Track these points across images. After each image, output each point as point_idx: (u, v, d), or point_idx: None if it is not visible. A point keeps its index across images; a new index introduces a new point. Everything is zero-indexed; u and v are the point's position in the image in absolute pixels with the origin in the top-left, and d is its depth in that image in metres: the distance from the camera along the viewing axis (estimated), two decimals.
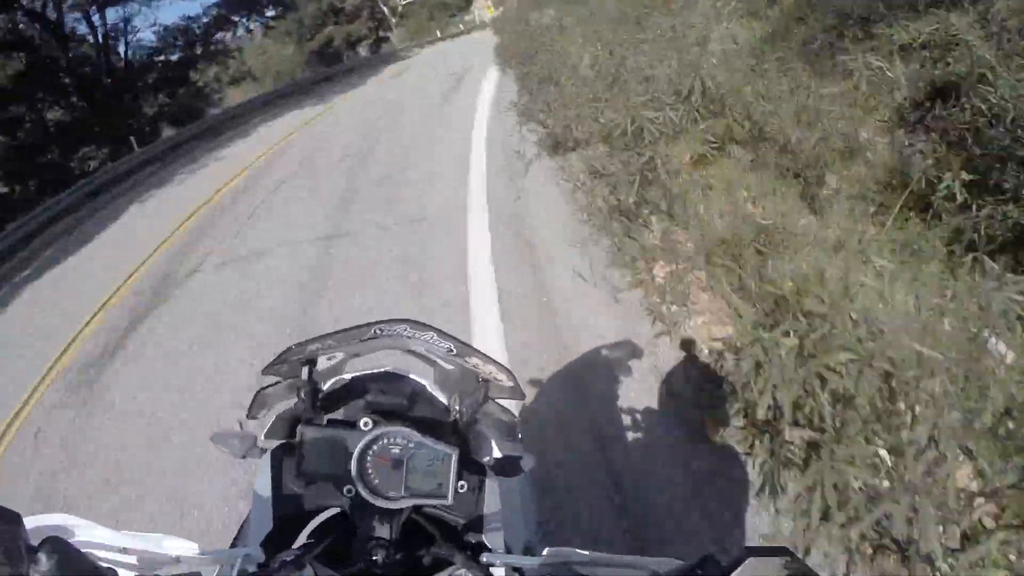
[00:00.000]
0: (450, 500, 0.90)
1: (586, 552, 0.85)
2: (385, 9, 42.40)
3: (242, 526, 1.14)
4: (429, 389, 1.07)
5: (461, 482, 0.92)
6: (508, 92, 9.59)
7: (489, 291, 4.15)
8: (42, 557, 0.63)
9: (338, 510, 0.99)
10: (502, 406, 1.06)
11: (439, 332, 0.95)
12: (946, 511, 1.80)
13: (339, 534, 0.96)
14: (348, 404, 1.00)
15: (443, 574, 0.89)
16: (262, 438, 1.01)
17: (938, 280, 2.36)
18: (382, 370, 1.07)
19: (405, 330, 0.95)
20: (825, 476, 1.89)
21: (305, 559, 0.87)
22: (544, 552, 0.87)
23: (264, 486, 0.99)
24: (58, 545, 0.65)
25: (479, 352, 0.98)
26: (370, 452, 0.91)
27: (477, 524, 0.97)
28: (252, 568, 0.87)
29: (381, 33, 43.42)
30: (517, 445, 1.03)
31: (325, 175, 8.75)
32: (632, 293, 3.63)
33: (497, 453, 1.02)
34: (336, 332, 0.95)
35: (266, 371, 1.01)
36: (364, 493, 0.91)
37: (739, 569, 0.68)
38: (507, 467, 1.02)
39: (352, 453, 0.90)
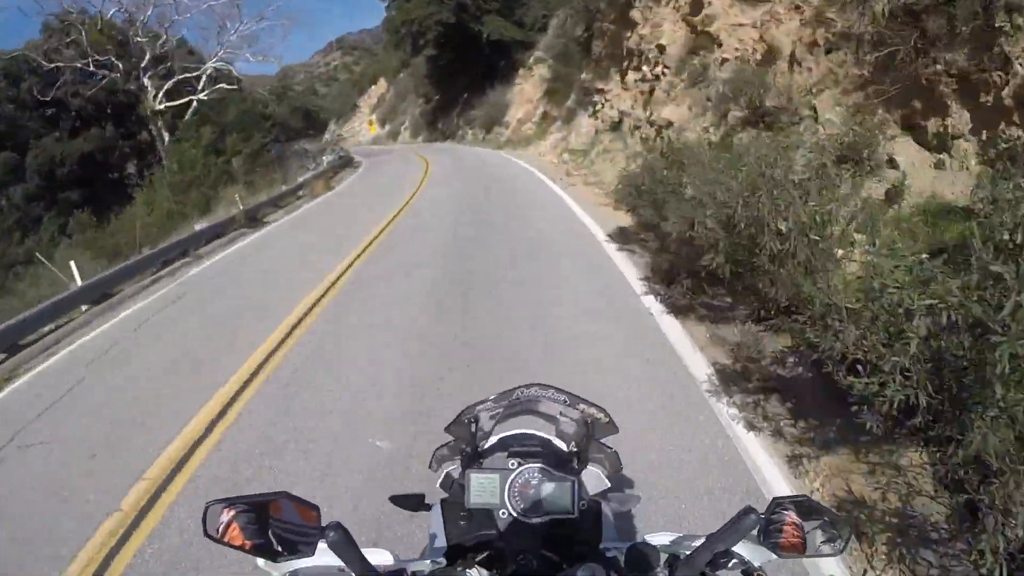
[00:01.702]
0: (575, 514, 1.24)
1: (670, 535, 1.27)
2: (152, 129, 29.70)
3: (413, 564, 1.38)
4: (552, 440, 1.44)
5: (582, 501, 1.25)
6: None
7: None
8: (330, 533, 1.03)
9: (489, 552, 1.28)
10: (606, 445, 1.41)
11: (556, 388, 1.38)
12: None
13: (494, 554, 1.27)
14: (497, 455, 1.34)
15: (573, 569, 1.17)
16: (437, 486, 1.40)
17: None
18: (519, 431, 1.45)
19: (535, 390, 1.38)
20: None
21: (473, 561, 1.23)
22: (646, 537, 1.27)
23: (437, 529, 1.40)
24: (341, 529, 1.04)
25: (584, 399, 1.39)
26: (515, 484, 1.27)
27: (597, 541, 1.28)
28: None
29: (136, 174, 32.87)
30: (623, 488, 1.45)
31: None
32: None
33: (605, 484, 1.36)
34: (492, 396, 1.40)
35: (447, 429, 1.41)
36: (514, 514, 1.25)
37: (769, 510, 1.08)
38: (621, 501, 1.45)
39: (503, 486, 1.27)
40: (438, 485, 1.39)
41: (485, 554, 1.26)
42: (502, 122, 31.23)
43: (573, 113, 22.32)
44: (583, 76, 21.61)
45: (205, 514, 0.98)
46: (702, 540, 1.11)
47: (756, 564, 1.14)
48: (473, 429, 1.40)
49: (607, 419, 1.38)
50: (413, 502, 1.43)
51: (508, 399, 1.39)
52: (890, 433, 3.35)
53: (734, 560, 1.12)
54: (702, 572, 1.09)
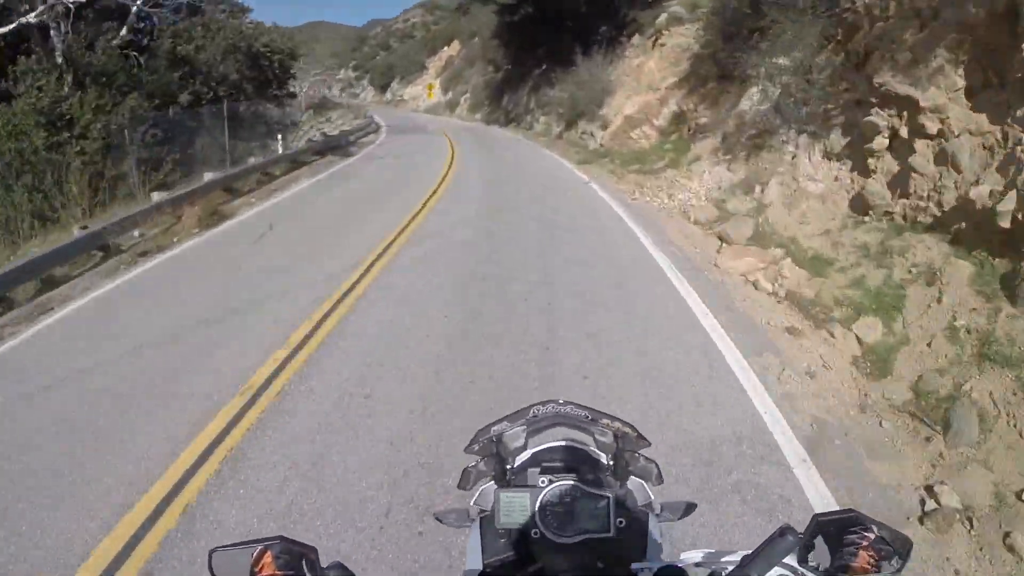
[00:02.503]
0: (612, 533, 1.16)
1: (702, 552, 1.22)
2: None
3: None
4: (590, 452, 1.33)
5: (619, 519, 1.17)
6: None
7: None
8: (331, 572, 1.03)
9: (537, 566, 1.23)
10: (646, 456, 1.32)
11: (575, 404, 1.31)
12: None
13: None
14: (530, 471, 1.27)
15: None
16: (472, 505, 1.31)
17: None
18: (554, 443, 1.34)
19: (552, 408, 1.30)
20: None
21: None
22: (681, 556, 1.22)
23: (475, 547, 1.30)
24: (341, 568, 1.04)
25: (607, 414, 1.31)
26: (548, 503, 1.20)
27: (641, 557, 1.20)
28: None
29: None
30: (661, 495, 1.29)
31: None
32: None
33: (649, 497, 1.28)
34: (510, 415, 1.32)
35: (467, 450, 1.33)
36: (547, 534, 1.18)
37: (810, 528, 0.98)
38: (671, 511, 1.30)
39: (533, 505, 1.20)
40: (472, 503, 1.34)
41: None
42: (596, 115, 18.89)
43: (769, 135, 9.86)
44: (819, 60, 9.27)
45: (210, 561, 0.98)
46: (737, 558, 1.09)
47: None
48: (495, 449, 1.34)
49: (636, 433, 1.32)
50: (455, 518, 1.39)
51: (524, 418, 1.33)
52: None
53: None
54: None
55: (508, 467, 1.32)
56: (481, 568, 1.26)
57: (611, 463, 1.32)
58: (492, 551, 1.28)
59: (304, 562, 1.01)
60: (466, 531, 1.36)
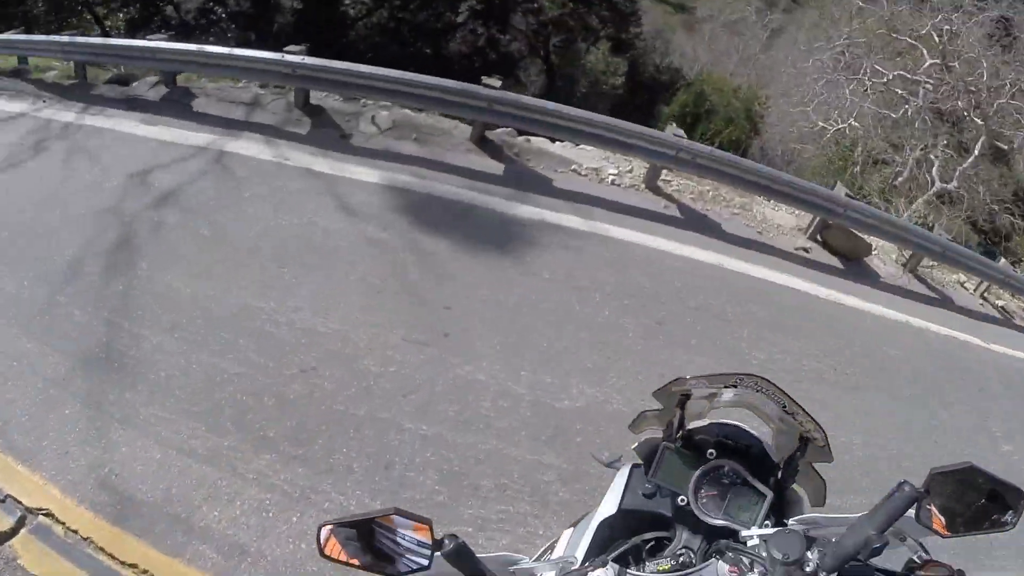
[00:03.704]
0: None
1: (813, 516, 1.19)
2: None
3: (588, 513, 1.45)
4: (765, 445, 1.31)
5: (767, 522, 1.18)
6: None
7: None
8: (447, 543, 1.04)
9: (660, 534, 1.30)
10: (817, 471, 1.30)
11: (778, 388, 1.24)
12: None
13: (649, 550, 1.26)
14: (701, 438, 1.29)
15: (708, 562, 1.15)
16: (632, 449, 1.37)
17: None
18: (732, 422, 1.34)
19: (756, 383, 1.24)
20: None
21: (608, 559, 1.20)
22: (791, 521, 1.20)
23: (618, 487, 1.35)
24: (457, 540, 1.05)
25: (805, 411, 1.23)
26: (707, 476, 1.25)
27: None
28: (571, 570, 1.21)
29: None
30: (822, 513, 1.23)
31: None
32: None
33: (807, 510, 1.28)
34: (711, 375, 1.27)
35: (655, 393, 1.34)
36: (692, 505, 1.24)
37: (927, 481, 0.99)
38: (830, 525, 1.18)
39: (694, 472, 1.24)
40: (632, 448, 1.37)
41: (619, 551, 1.24)
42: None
43: None
44: None
45: (319, 535, 1.03)
46: (852, 520, 1.07)
47: (916, 540, 1.07)
48: (682, 403, 1.33)
49: (823, 443, 1.26)
50: (608, 458, 1.52)
51: (725, 383, 1.29)
52: None
53: (890, 542, 1.03)
54: (855, 558, 1.01)
55: (683, 428, 1.31)
56: (615, 511, 1.28)
57: (782, 463, 1.27)
58: (631, 500, 1.30)
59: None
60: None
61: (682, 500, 1.25)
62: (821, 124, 17.49)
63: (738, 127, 20.65)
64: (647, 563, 1.25)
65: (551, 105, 6.84)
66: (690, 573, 1.15)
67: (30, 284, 5.21)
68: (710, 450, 1.27)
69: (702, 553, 1.22)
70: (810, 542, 1.07)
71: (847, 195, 7.53)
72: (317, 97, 7.81)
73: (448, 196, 6.44)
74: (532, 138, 7.69)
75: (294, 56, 7.14)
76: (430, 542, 1.04)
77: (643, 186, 7.62)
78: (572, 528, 1.51)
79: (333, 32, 19.58)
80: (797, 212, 8.03)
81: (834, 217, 7.47)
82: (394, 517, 1.02)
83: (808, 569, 1.03)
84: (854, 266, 7.80)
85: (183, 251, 5.60)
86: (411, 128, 7.55)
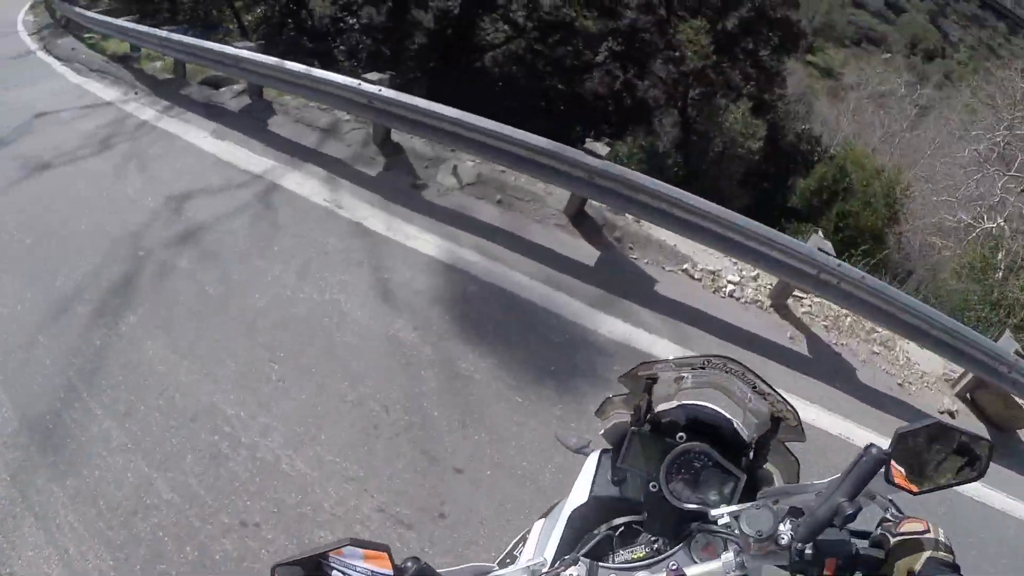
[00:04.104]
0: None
1: (779, 488, 1.19)
2: None
3: (559, 501, 1.40)
4: (735, 425, 1.28)
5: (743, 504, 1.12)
6: None
7: None
8: (409, 565, 0.99)
9: (632, 518, 1.27)
10: (789, 449, 1.28)
11: (747, 368, 1.23)
12: None
13: (621, 535, 1.23)
14: (670, 421, 1.26)
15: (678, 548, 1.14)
16: (600, 435, 1.36)
17: None
18: (702, 403, 1.30)
19: (724, 364, 1.24)
20: None
21: (579, 556, 1.16)
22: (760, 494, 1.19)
23: (587, 474, 1.32)
24: (420, 563, 1.00)
25: (777, 392, 1.23)
26: (677, 460, 1.22)
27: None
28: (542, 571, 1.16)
29: None
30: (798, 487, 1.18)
31: None
32: None
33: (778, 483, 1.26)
34: (678, 359, 1.27)
35: (620, 379, 1.33)
36: (664, 491, 1.20)
37: (894, 442, 0.98)
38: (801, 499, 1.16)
39: (664, 457, 1.22)
40: (601, 434, 1.35)
41: (591, 544, 1.23)
42: None
43: None
44: None
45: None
46: (821, 487, 1.07)
47: (887, 499, 1.07)
48: (649, 388, 1.32)
49: (795, 423, 1.26)
50: (574, 443, 1.48)
51: (692, 365, 1.29)
52: None
53: (864, 507, 1.04)
54: (829, 525, 0.99)
55: (651, 411, 1.27)
56: (586, 499, 1.25)
57: (753, 444, 1.25)
58: (602, 487, 1.27)
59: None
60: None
61: (653, 486, 1.21)
62: (968, 221, 14.94)
63: (876, 212, 18.23)
64: (620, 552, 1.21)
65: (671, 190, 5.33)
66: (664, 558, 1.13)
67: (24, 310, 4.60)
68: (680, 433, 1.23)
69: (675, 537, 1.17)
70: (782, 514, 1.05)
71: (1016, 353, 5.57)
72: (401, 134, 6.70)
73: (516, 290, 5.03)
74: (642, 220, 6.20)
75: (370, 86, 6.07)
76: (390, 571, 0.97)
77: (768, 303, 5.96)
78: (543, 519, 1.44)
79: (467, 55, 18.90)
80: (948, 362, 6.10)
81: (995, 377, 5.55)
82: (346, 548, 0.95)
83: (782, 542, 1.01)
84: (1004, 440, 5.77)
85: (177, 312, 4.56)
86: (496, 187, 6.27)
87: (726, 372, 1.25)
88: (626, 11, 19.46)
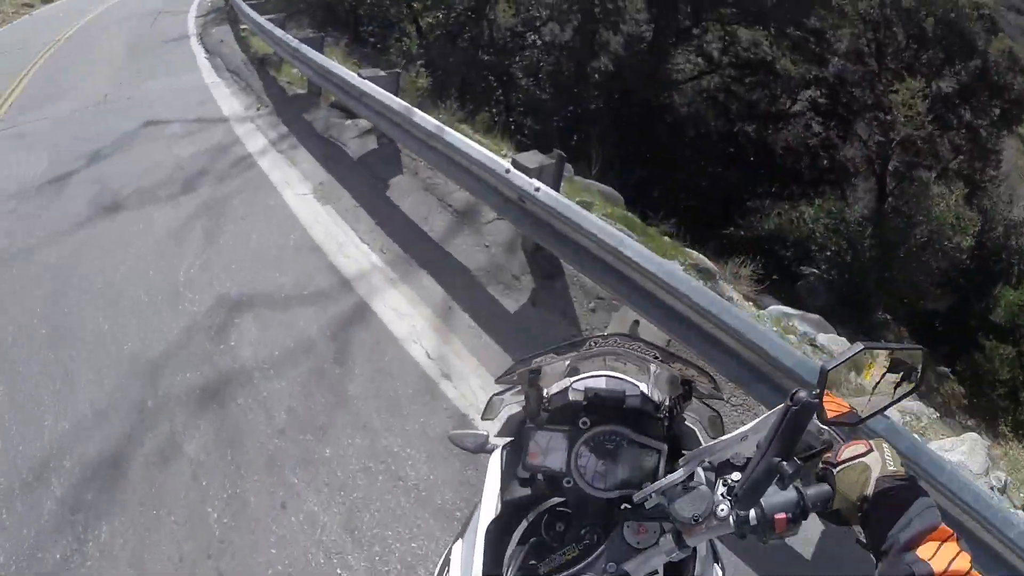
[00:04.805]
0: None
1: (712, 443, 1.05)
2: None
3: (472, 513, 1.27)
4: (646, 391, 1.16)
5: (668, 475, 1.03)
6: None
7: None
8: None
9: (559, 500, 1.14)
10: (707, 404, 1.21)
11: (645, 342, 1.17)
12: None
13: (549, 524, 1.12)
14: (569, 404, 1.13)
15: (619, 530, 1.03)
16: (493, 436, 1.22)
17: None
18: (601, 374, 1.17)
19: (615, 342, 1.17)
20: None
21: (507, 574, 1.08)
22: (683, 459, 1.06)
23: (493, 479, 1.17)
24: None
25: (682, 358, 1.17)
26: (586, 447, 1.09)
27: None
28: None
29: None
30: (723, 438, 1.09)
31: None
32: None
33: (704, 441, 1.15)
34: (559, 346, 1.18)
35: (499, 380, 1.20)
36: (580, 483, 1.08)
37: (820, 382, 0.91)
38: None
39: (571, 448, 1.09)
40: (495, 434, 1.23)
41: (521, 555, 1.12)
42: None
43: None
44: None
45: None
46: (746, 433, 0.99)
47: (824, 428, 0.98)
48: (534, 381, 1.17)
49: (711, 382, 1.17)
50: (473, 442, 1.30)
51: (578, 350, 1.19)
52: None
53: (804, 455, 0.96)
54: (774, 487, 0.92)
55: (544, 398, 1.16)
56: (498, 509, 1.13)
57: (666, 408, 1.16)
58: (512, 489, 1.15)
59: None
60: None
61: (568, 482, 1.08)
62: None
63: None
64: (553, 557, 1.07)
65: None
66: (599, 554, 1.01)
67: (28, 443, 3.35)
68: (583, 419, 1.09)
69: (605, 527, 1.05)
70: (714, 486, 0.97)
71: None
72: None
73: None
74: None
75: (523, 177, 3.90)
76: None
77: None
78: (460, 540, 1.25)
79: (654, 88, 16.46)
80: None
81: None
82: None
83: (722, 515, 0.94)
84: None
85: (161, 535, 2.68)
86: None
87: (618, 348, 1.17)
88: (833, 58, 16.60)
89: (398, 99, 5.27)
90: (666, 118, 16.68)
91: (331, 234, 4.87)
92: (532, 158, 4.26)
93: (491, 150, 6.23)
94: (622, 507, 1.06)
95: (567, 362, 1.20)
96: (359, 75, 5.91)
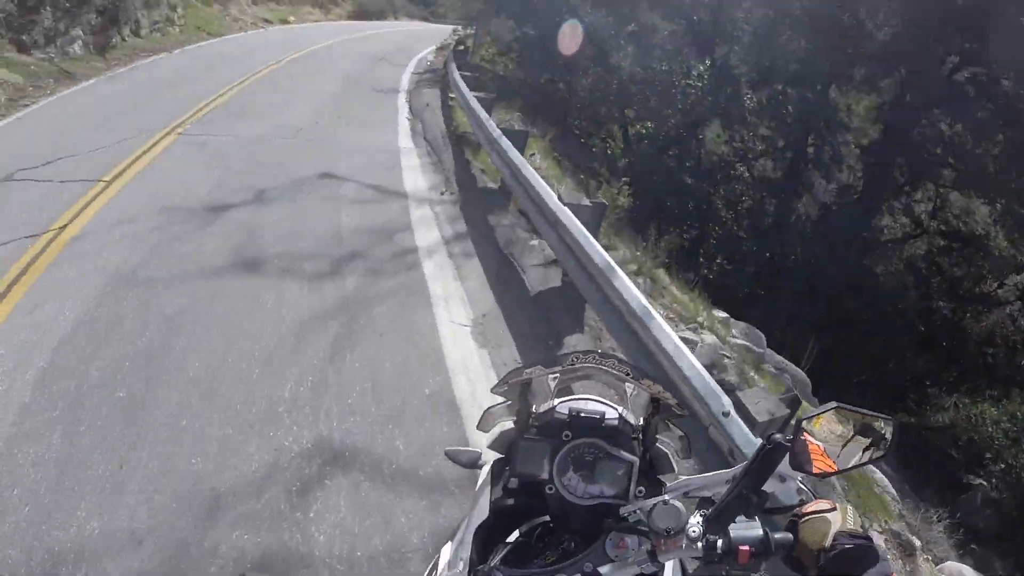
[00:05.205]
0: (629, 501, 1.14)
1: (686, 479, 1.18)
2: None
3: (462, 520, 1.34)
4: (619, 412, 1.27)
5: (640, 488, 1.16)
6: None
7: None
8: None
9: (546, 518, 1.24)
10: (677, 427, 1.31)
11: (619, 359, 1.28)
12: None
13: (539, 536, 1.22)
14: (554, 421, 1.23)
15: (599, 542, 1.09)
16: (485, 448, 1.33)
17: None
18: (585, 397, 1.29)
19: (595, 358, 1.28)
20: None
21: (491, 567, 1.14)
22: (667, 487, 1.19)
23: (484, 491, 1.28)
24: None
25: (649, 375, 1.27)
26: (568, 459, 1.18)
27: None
28: None
29: None
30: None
31: None
32: None
33: (672, 470, 1.28)
34: (546, 360, 1.30)
35: (493, 390, 1.32)
36: (561, 491, 1.17)
37: (795, 430, 1.02)
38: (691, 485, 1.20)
39: (554, 459, 1.18)
40: (487, 446, 1.34)
41: (505, 551, 1.22)
42: None
43: None
44: None
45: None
46: (728, 476, 1.10)
47: (798, 480, 1.09)
48: (525, 393, 1.32)
49: (674, 400, 1.29)
50: (467, 458, 1.41)
51: (562, 366, 1.31)
52: None
53: (775, 492, 1.08)
54: (741, 516, 1.03)
55: (532, 414, 1.27)
56: (487, 514, 1.22)
57: (640, 428, 1.28)
58: (501, 498, 1.24)
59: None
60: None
61: (550, 488, 1.17)
62: None
63: None
64: (535, 559, 1.17)
65: None
66: (577, 560, 1.09)
67: (49, 533, 2.74)
68: (565, 432, 1.20)
69: (587, 537, 1.13)
70: (692, 507, 1.08)
71: None
72: None
73: None
74: None
75: (740, 425, 2.67)
76: None
77: None
78: (450, 543, 1.37)
79: (857, 246, 14.73)
80: None
81: None
82: None
83: (693, 535, 1.03)
84: None
85: None
86: None
87: (598, 366, 1.28)
88: None
89: (599, 248, 4.20)
90: (864, 283, 14.84)
91: (476, 396, 3.77)
92: (762, 405, 3.06)
93: (689, 311, 5.06)
94: (611, 520, 1.11)
95: (554, 379, 1.30)
96: (559, 198, 4.96)
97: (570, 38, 13.38)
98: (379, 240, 5.50)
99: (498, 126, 7.31)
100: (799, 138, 14.27)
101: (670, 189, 13.92)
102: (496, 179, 7.30)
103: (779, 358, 6.33)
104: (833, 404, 1.06)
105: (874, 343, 14.41)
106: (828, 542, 0.96)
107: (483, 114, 7.79)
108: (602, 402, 1.29)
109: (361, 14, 34.32)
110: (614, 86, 14.79)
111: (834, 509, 1.00)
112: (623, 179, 10.56)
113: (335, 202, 6.16)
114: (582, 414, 1.23)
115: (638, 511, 1.07)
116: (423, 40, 21.30)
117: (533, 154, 7.93)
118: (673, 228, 15.74)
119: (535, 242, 5.78)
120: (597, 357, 1.28)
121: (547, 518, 1.22)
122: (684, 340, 3.63)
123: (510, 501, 1.24)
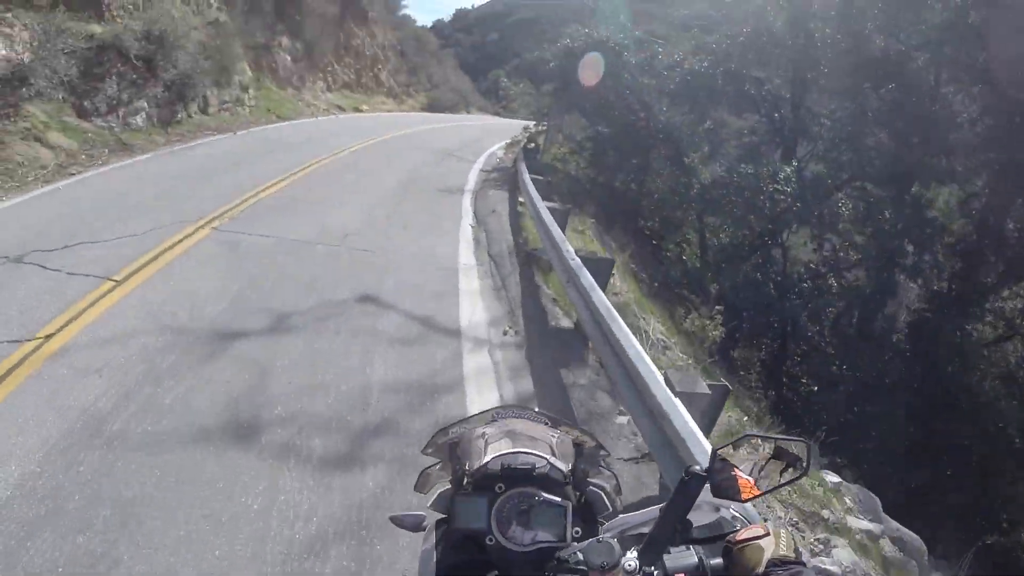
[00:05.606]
0: (568, 542, 1.15)
1: (620, 518, 1.27)
2: None
3: None
4: (548, 459, 1.25)
5: (576, 529, 1.17)
6: None
7: None
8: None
9: (494, 572, 1.21)
10: (605, 468, 1.33)
11: (535, 411, 1.34)
12: None
13: None
14: (488, 475, 1.22)
15: None
16: (427, 508, 1.30)
17: None
18: (513, 450, 1.26)
19: (513, 411, 1.33)
20: None
21: None
22: (604, 528, 1.24)
23: (429, 553, 1.27)
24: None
25: (567, 421, 1.33)
26: (504, 509, 1.19)
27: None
28: None
29: None
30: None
31: None
32: None
33: (607, 509, 1.27)
34: (468, 418, 1.35)
35: (424, 451, 1.35)
36: (501, 541, 1.18)
37: (711, 461, 1.11)
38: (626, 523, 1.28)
39: (490, 511, 1.19)
40: (428, 506, 1.31)
41: None
42: None
43: None
44: None
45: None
46: (656, 513, 1.15)
47: (729, 508, 1.19)
48: (453, 452, 1.34)
49: (594, 442, 1.34)
50: (411, 521, 1.39)
51: (484, 420, 1.34)
52: None
53: (704, 523, 1.15)
54: (673, 545, 1.10)
55: (466, 471, 1.28)
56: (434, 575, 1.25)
57: (570, 473, 1.29)
58: (446, 557, 1.26)
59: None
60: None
61: (490, 539, 1.18)
62: None
63: None
64: None
65: None
66: None
67: None
68: (498, 484, 1.20)
69: None
70: (627, 543, 1.11)
71: None
72: None
73: None
74: None
75: None
76: None
77: None
78: None
79: (954, 357, 12.76)
80: None
81: None
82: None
83: (629, 568, 1.07)
84: None
85: None
86: None
87: (518, 417, 1.31)
88: None
89: (681, 410, 2.82)
90: (962, 400, 12.82)
91: None
92: None
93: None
94: (551, 562, 1.12)
95: (481, 438, 1.27)
96: (666, 379, 3.61)
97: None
98: (419, 405, 4.21)
99: (572, 244, 6.15)
100: (896, 246, 12.83)
101: (755, 302, 12.53)
102: (571, 312, 6.04)
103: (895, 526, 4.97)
104: (744, 433, 1.16)
105: (974, 473, 12.47)
106: (762, 568, 0.97)
107: (557, 232, 6.63)
108: (532, 453, 1.26)
109: (434, 106, 34.81)
110: (694, 191, 13.66)
111: (768, 535, 1.01)
112: (716, 307, 9.19)
113: (370, 340, 4.94)
114: (513, 466, 1.23)
115: (576, 552, 1.08)
116: (494, 134, 20.88)
117: (616, 293, 6.67)
118: (753, 341, 14.28)
119: (622, 420, 4.40)
120: (516, 410, 1.33)
121: (495, 572, 1.18)
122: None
123: (456, 559, 1.21)
